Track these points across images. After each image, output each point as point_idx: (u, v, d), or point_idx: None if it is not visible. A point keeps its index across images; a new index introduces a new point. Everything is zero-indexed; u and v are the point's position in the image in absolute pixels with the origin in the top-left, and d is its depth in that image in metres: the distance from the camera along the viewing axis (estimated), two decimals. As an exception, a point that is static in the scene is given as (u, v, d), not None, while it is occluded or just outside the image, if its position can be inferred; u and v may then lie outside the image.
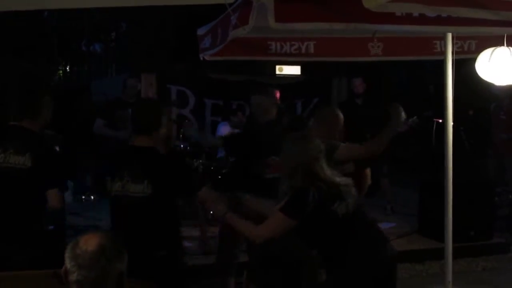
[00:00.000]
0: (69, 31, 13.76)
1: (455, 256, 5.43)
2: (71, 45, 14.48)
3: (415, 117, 7.87)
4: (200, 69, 10.09)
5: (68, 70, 14.41)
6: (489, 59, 4.58)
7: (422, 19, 3.94)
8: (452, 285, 5.19)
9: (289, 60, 6.50)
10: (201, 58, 5.96)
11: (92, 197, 9.87)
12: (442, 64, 5.09)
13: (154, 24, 11.27)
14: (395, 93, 8.96)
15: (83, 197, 9.92)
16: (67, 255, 2.34)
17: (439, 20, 4.01)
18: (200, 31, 5.94)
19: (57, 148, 7.27)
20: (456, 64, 5.03)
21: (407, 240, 7.60)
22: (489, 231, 7.66)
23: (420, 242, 7.53)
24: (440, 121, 5.36)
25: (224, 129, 9.16)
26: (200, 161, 8.51)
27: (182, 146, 8.77)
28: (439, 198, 5.28)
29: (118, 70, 12.65)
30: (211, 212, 5.37)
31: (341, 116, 5.34)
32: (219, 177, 8.03)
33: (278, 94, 8.10)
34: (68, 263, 2.32)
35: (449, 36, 5.01)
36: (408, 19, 3.86)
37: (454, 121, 5.17)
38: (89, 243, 2.33)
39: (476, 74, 4.78)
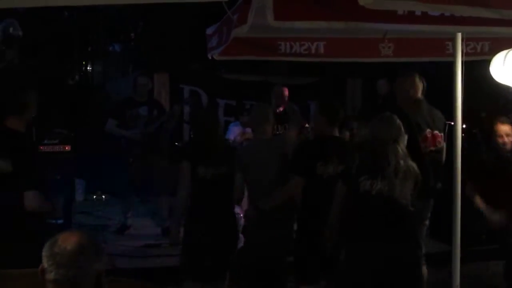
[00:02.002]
0: (88, 31, 13.84)
1: (466, 260, 5.36)
2: (90, 45, 14.57)
3: None
4: (213, 69, 10.06)
5: (86, 70, 14.49)
6: (503, 62, 4.48)
7: (427, 19, 3.84)
8: (461, 289, 5.10)
9: (299, 60, 6.39)
10: (209, 57, 5.93)
11: (103, 196, 9.90)
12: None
13: (169, 24, 11.27)
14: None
15: (94, 196, 9.95)
16: (44, 253, 2.27)
17: (446, 20, 3.91)
18: (209, 31, 5.91)
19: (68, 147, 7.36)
20: (468, 66, 4.91)
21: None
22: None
23: (430, 246, 7.40)
24: (452, 123, 5.27)
25: (236, 129, 9.11)
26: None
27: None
28: (450, 201, 5.19)
29: (135, 70, 12.69)
30: None
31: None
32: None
33: (286, 92, 8.06)
34: (45, 262, 2.26)
35: (459, 36, 4.86)
36: (411, 18, 3.77)
37: (467, 123, 5.07)
38: (68, 241, 2.27)
39: (488, 75, 4.69)
